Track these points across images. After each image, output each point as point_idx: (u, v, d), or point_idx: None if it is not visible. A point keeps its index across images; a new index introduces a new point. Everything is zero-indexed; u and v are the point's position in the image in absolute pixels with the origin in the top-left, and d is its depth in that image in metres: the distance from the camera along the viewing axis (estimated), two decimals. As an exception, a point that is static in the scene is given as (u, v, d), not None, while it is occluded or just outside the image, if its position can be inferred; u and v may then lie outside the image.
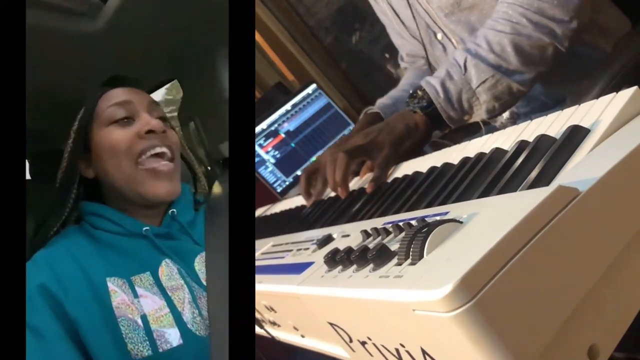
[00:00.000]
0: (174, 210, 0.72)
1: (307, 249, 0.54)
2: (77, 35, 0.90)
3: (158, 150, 0.67)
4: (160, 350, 0.59)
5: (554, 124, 0.50)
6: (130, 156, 0.66)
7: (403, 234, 0.40)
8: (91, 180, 0.71)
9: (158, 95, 1.31)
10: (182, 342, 0.60)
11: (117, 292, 0.62)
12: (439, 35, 0.89)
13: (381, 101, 0.96)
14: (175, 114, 1.22)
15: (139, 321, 0.60)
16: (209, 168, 1.16)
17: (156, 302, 0.63)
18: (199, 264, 0.69)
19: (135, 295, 0.62)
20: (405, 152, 0.75)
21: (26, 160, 1.73)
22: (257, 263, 0.61)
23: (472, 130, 0.94)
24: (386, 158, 0.72)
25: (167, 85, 1.30)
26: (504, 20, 0.71)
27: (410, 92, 0.76)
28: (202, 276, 0.67)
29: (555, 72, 0.79)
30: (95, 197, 0.73)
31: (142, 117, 0.69)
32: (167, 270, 0.66)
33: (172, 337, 0.60)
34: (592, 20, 0.78)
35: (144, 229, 0.68)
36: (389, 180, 0.69)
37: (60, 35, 0.89)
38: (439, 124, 0.75)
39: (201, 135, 1.23)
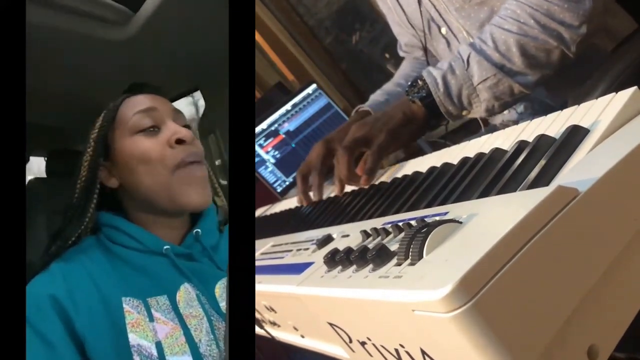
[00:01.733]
0: (199, 230, 0.69)
1: (307, 249, 0.54)
2: (108, 42, 0.91)
3: (192, 159, 0.66)
4: None
5: (553, 124, 0.50)
6: (165, 166, 0.64)
7: (402, 234, 0.40)
8: (109, 189, 0.69)
9: (180, 104, 1.31)
10: None
11: (132, 313, 0.59)
12: (444, 30, 0.88)
13: (374, 98, 0.95)
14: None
15: (153, 348, 0.58)
16: (224, 182, 1.14)
17: (172, 328, 0.60)
18: (220, 291, 0.66)
19: (151, 319, 0.60)
20: (402, 142, 0.74)
21: (43, 158, 1.75)
22: (257, 263, 0.61)
23: (472, 130, 0.94)
24: (380, 147, 0.71)
25: (190, 95, 1.30)
26: (511, 19, 0.70)
27: (411, 82, 0.76)
28: (222, 303, 0.65)
29: (559, 74, 0.79)
30: (112, 206, 0.70)
31: (169, 126, 0.67)
32: (186, 295, 0.63)
33: None
34: (601, 23, 0.77)
35: (165, 247, 0.65)
36: (389, 180, 0.69)
37: (92, 41, 0.91)
38: (436, 116, 0.74)
39: (220, 147, 1.24)
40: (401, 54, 1.09)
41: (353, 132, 0.74)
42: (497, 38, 0.70)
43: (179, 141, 0.65)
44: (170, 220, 0.69)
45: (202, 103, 1.25)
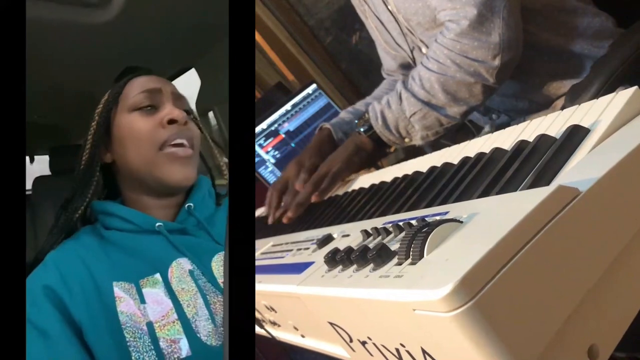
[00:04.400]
0: (191, 204, 0.70)
1: (307, 248, 0.54)
2: (90, 27, 0.89)
3: (178, 141, 0.67)
4: None
5: (553, 123, 0.50)
6: (152, 144, 0.66)
7: (403, 234, 0.40)
8: (107, 166, 0.72)
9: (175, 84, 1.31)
10: (191, 353, 0.57)
11: (123, 297, 0.60)
12: (424, 49, 0.91)
13: (341, 115, 0.99)
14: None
15: (145, 329, 0.58)
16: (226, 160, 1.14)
17: (164, 308, 0.60)
18: (217, 264, 0.66)
19: (142, 301, 0.60)
20: (356, 167, 0.84)
21: (47, 155, 1.75)
22: (257, 263, 0.61)
23: (471, 132, 0.94)
24: (334, 174, 0.81)
25: (184, 75, 1.29)
26: (433, 59, 0.76)
27: (359, 116, 0.86)
28: (220, 278, 0.64)
29: (541, 75, 0.82)
30: (110, 184, 0.73)
31: (166, 107, 0.69)
32: (178, 271, 0.63)
33: (180, 347, 0.57)
34: (568, 24, 0.81)
35: (157, 224, 0.66)
36: (389, 180, 0.69)
37: (74, 28, 0.89)
38: (383, 143, 0.83)
39: (220, 124, 1.23)
40: (384, 75, 1.12)
41: (319, 169, 0.83)
42: (422, 76, 0.77)
43: (171, 121, 0.67)
44: (163, 200, 0.70)
45: (197, 81, 1.24)
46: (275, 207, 0.85)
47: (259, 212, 1.05)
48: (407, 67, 1.01)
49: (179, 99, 0.73)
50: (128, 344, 0.57)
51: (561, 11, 0.80)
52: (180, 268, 0.64)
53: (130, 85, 0.71)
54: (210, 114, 1.38)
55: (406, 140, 0.82)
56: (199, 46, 1.08)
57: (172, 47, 1.06)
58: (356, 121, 0.86)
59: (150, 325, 0.58)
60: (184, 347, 0.58)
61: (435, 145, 0.86)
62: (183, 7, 0.91)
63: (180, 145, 0.68)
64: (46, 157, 1.79)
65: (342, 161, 0.83)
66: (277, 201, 0.85)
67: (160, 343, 0.57)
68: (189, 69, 1.26)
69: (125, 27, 0.92)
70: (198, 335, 0.59)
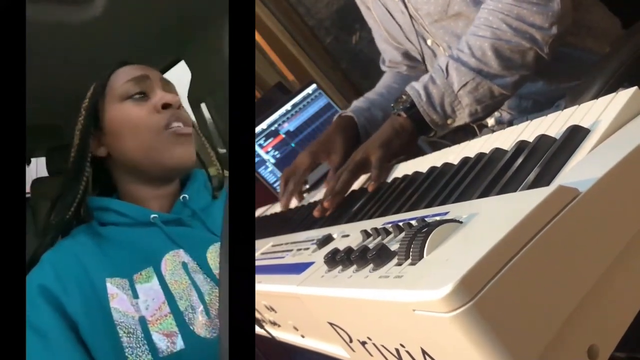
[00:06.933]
0: (186, 195, 0.70)
1: (307, 249, 0.54)
2: (76, 25, 0.89)
3: (175, 124, 0.67)
4: (161, 355, 0.57)
5: (553, 124, 0.50)
6: (150, 130, 0.66)
7: (403, 234, 0.40)
8: (99, 160, 0.71)
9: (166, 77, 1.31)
10: (185, 347, 0.57)
11: (116, 293, 0.60)
12: (429, 42, 0.91)
13: (356, 104, 0.97)
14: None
15: (138, 324, 0.58)
16: (222, 150, 1.13)
17: (157, 302, 0.60)
18: (213, 254, 0.66)
19: (136, 296, 0.60)
20: (396, 152, 0.77)
21: (44, 157, 1.75)
22: (257, 263, 0.61)
23: (472, 131, 0.94)
24: (379, 160, 0.74)
25: (174, 67, 1.28)
26: (485, 26, 0.73)
27: (395, 98, 0.79)
28: (215, 268, 0.64)
29: (545, 74, 0.80)
30: (103, 178, 0.73)
31: (157, 93, 0.69)
32: (172, 263, 0.63)
33: (174, 340, 0.58)
34: (579, 22, 0.79)
35: (152, 216, 0.66)
36: (389, 180, 0.69)
37: (60, 27, 0.89)
38: (423, 127, 0.77)
39: (214, 116, 1.22)
40: (384, 68, 1.11)
41: (353, 157, 0.77)
42: (472, 45, 0.73)
43: (165, 105, 0.67)
44: (160, 190, 0.70)
45: (187, 73, 1.24)
46: (285, 193, 0.84)
47: (259, 212, 1.05)
48: (412, 58, 1.00)
49: (167, 84, 0.72)
50: (121, 339, 0.57)
51: None
52: (175, 260, 0.64)
53: (115, 76, 0.71)
54: (203, 106, 1.38)
55: (449, 121, 0.76)
56: (186, 37, 1.07)
57: (160, 40, 1.05)
58: (392, 105, 0.79)
59: (142, 320, 0.59)
60: (178, 341, 0.58)
61: (435, 145, 0.86)
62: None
63: (181, 126, 0.67)
64: (43, 159, 1.79)
65: (381, 145, 0.76)
66: (286, 187, 0.84)
67: (154, 337, 0.58)
68: (178, 61, 1.25)
69: (112, 23, 0.92)
70: (192, 327, 0.59)
